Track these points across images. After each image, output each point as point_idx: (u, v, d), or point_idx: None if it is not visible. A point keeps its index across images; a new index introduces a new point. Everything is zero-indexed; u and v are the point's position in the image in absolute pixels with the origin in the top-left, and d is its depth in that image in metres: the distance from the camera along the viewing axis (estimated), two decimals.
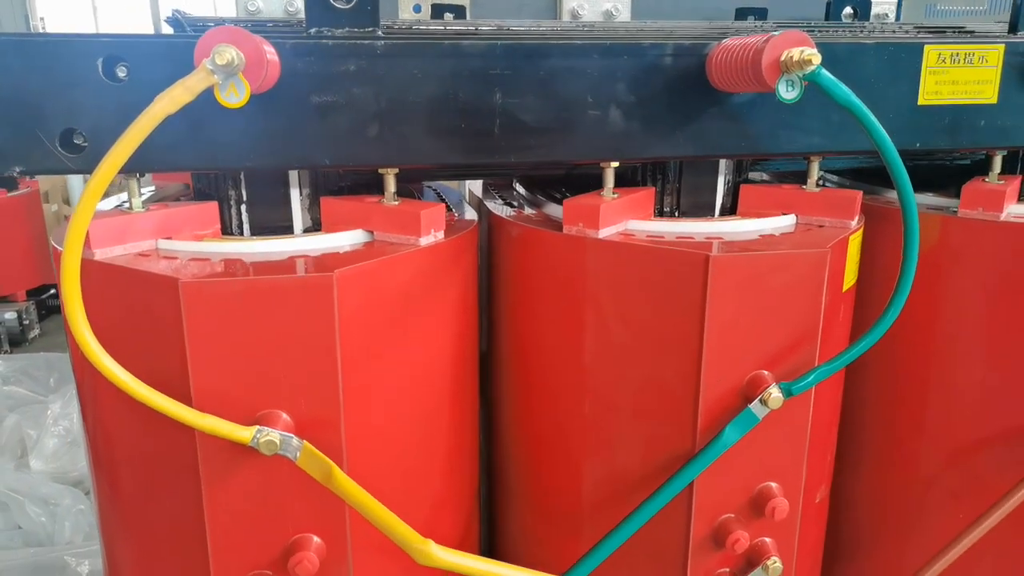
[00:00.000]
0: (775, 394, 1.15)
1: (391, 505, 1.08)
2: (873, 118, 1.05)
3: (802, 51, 1.00)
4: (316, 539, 1.11)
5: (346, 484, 1.00)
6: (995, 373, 1.41)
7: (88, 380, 1.17)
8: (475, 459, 1.41)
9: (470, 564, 1.04)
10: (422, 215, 1.15)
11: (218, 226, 1.20)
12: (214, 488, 1.06)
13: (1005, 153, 1.39)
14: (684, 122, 1.21)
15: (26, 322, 5.28)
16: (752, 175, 1.64)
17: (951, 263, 1.40)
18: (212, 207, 1.19)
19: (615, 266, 1.20)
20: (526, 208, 1.45)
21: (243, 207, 1.21)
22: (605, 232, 1.22)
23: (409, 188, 1.54)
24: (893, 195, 1.52)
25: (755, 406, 1.16)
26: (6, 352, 4.96)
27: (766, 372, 1.19)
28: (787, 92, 1.04)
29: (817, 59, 1.00)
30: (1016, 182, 1.43)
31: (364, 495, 1.00)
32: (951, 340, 1.44)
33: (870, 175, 1.59)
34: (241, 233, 1.21)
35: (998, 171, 1.39)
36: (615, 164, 1.25)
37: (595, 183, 1.28)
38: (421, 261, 1.15)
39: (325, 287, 1.01)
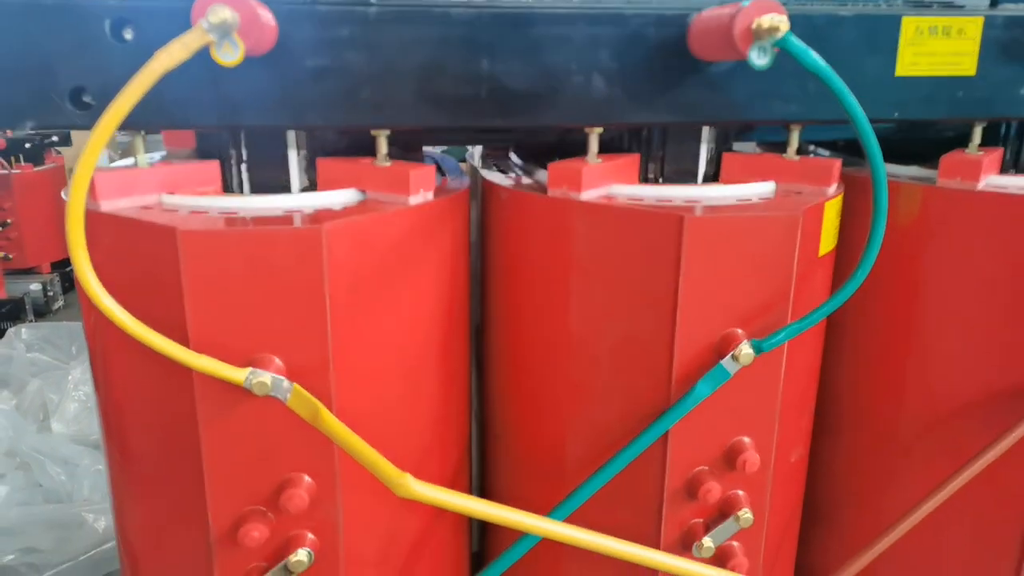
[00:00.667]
0: (746, 350, 1.20)
1: (380, 449, 1.15)
2: (842, 84, 1.09)
3: (771, 18, 1.04)
4: (307, 478, 1.18)
5: (332, 423, 1.07)
6: (971, 340, 1.45)
7: (97, 335, 1.24)
8: (465, 411, 1.47)
9: (445, 498, 1.11)
10: (411, 175, 1.21)
11: (219, 184, 1.26)
12: (210, 428, 1.13)
13: (985, 125, 1.42)
14: (665, 90, 1.25)
15: (50, 293, 5.42)
16: (744, 145, 1.68)
17: (930, 232, 1.44)
18: (214, 166, 1.25)
19: (595, 227, 1.25)
20: (519, 175, 1.50)
21: (243, 166, 1.28)
22: (587, 194, 1.27)
23: (408, 156, 1.60)
24: (891, 168, 1.56)
25: (727, 362, 1.21)
26: (31, 322, 5.10)
27: (739, 330, 1.24)
28: (759, 59, 1.08)
29: (785, 26, 1.04)
30: (996, 154, 1.46)
31: (348, 433, 1.07)
32: (930, 306, 1.47)
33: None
34: (241, 191, 1.28)
35: (978, 142, 1.42)
36: (599, 130, 1.30)
37: (585, 151, 1.33)
38: (410, 219, 1.21)
39: (314, 239, 1.07)
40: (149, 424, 1.23)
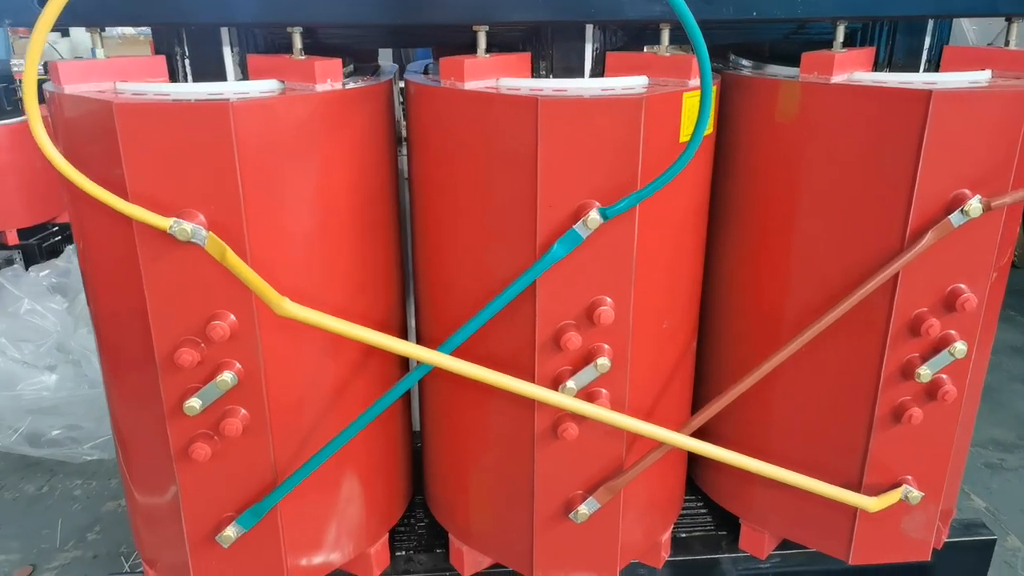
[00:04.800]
0: (593, 216, 1.40)
1: (298, 298, 1.41)
2: None
3: None
4: (232, 316, 1.45)
5: (234, 261, 1.33)
6: (835, 222, 1.59)
7: (75, 209, 1.51)
8: (388, 279, 1.71)
9: (317, 318, 1.36)
10: (316, 66, 1.44)
11: (166, 76, 1.52)
12: (150, 269, 1.40)
13: (845, 24, 1.55)
14: None
15: None
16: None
17: (797, 123, 1.58)
18: (160, 60, 1.51)
19: (473, 111, 1.46)
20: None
21: (186, 61, 1.53)
22: (471, 85, 1.48)
23: (361, 66, 1.83)
24: (775, 69, 1.70)
25: (579, 227, 1.42)
26: None
27: (595, 201, 1.43)
28: None
29: None
30: (864, 52, 1.59)
31: (245, 268, 1.33)
32: (802, 192, 1.62)
33: (777, 56, 1.77)
34: (185, 82, 1.53)
35: (841, 40, 1.56)
36: (485, 27, 1.49)
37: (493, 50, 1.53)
38: (316, 103, 1.43)
39: (223, 111, 1.32)
40: (112, 277, 1.50)
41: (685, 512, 2.09)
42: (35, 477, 3.12)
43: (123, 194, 1.35)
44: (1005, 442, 3.30)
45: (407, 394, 1.94)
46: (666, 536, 1.92)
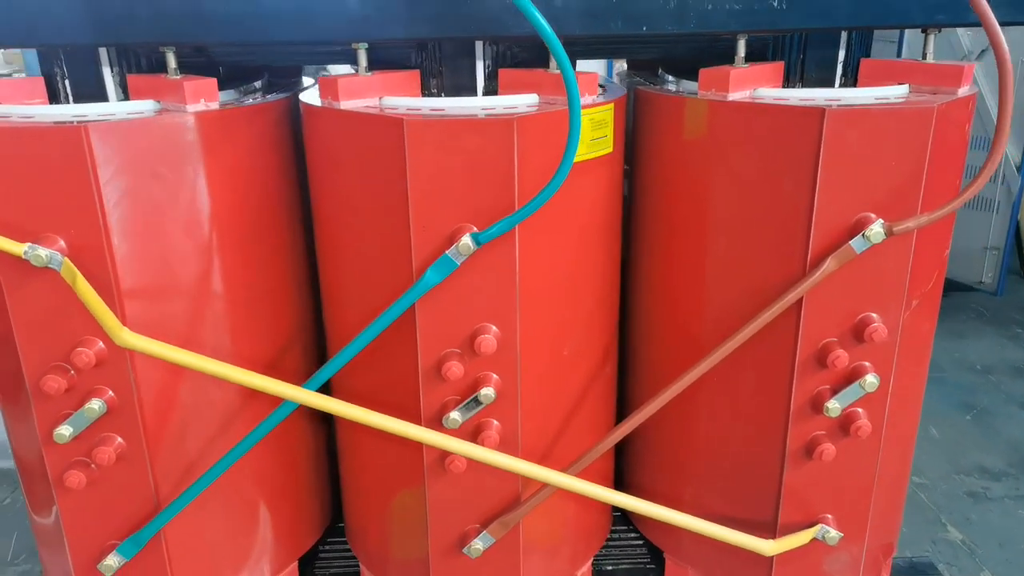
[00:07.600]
0: (465, 241, 1.34)
1: (176, 328, 1.38)
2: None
3: None
4: (100, 343, 1.41)
5: (82, 287, 1.29)
6: (741, 242, 1.50)
7: None
8: (284, 301, 1.66)
9: (160, 350, 1.32)
10: (186, 86, 1.40)
11: (45, 97, 1.49)
12: (13, 295, 1.37)
13: (745, 38, 1.47)
14: (417, 7, 1.38)
15: None
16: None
17: (697, 139, 1.50)
18: (38, 81, 1.48)
19: (345, 132, 1.40)
20: None
21: (67, 82, 1.50)
22: (347, 104, 1.43)
23: (282, 81, 1.80)
24: (682, 85, 1.63)
25: (451, 252, 1.35)
26: None
27: (472, 225, 1.37)
28: None
29: None
30: (767, 67, 1.51)
31: (90, 294, 1.29)
32: (705, 209, 1.53)
33: (680, 69, 1.70)
34: (67, 103, 1.50)
35: (742, 55, 1.48)
36: (364, 45, 1.44)
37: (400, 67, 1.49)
38: (185, 124, 1.39)
39: (76, 135, 1.28)
40: None
41: (616, 542, 2.01)
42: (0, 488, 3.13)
43: None
44: (993, 470, 3.13)
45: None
46: (584, 569, 1.84)
